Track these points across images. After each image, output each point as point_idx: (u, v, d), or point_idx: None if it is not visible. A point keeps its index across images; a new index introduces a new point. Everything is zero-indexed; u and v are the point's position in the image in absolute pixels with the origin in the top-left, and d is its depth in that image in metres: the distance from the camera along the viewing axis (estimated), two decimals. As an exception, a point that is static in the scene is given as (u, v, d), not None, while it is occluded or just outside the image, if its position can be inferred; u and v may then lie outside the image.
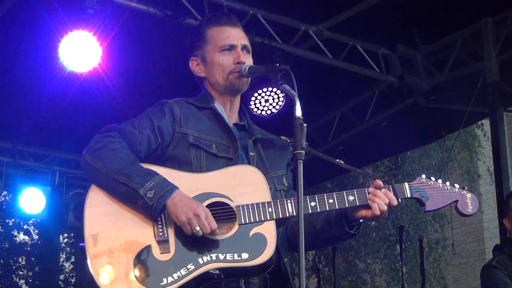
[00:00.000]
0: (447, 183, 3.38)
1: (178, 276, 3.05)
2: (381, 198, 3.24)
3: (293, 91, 3.11)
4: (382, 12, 8.00)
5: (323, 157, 3.49)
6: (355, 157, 10.53)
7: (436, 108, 9.16)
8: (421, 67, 8.74)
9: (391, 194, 3.26)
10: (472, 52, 8.37)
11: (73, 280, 22.66)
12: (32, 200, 10.73)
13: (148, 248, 3.09)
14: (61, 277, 22.53)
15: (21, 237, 22.11)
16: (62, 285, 22.30)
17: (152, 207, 3.06)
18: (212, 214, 3.11)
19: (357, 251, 18.81)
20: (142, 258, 3.07)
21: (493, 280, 5.35)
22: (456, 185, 3.38)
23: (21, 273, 22.16)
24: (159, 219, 3.12)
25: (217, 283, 3.09)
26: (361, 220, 3.36)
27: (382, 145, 10.45)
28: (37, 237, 22.21)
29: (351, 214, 3.32)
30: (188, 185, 3.18)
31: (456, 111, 9.01)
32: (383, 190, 3.26)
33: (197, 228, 3.04)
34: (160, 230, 3.11)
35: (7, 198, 16.91)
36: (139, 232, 3.12)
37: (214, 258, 3.07)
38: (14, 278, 21.88)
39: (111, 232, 3.13)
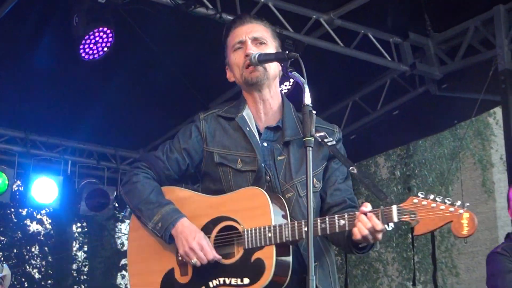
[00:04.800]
0: (446, 200, 3.12)
1: None
2: (363, 222, 3.14)
3: (303, 79, 3.12)
4: (393, 0, 7.97)
5: (331, 151, 3.47)
6: (367, 146, 10.53)
7: (448, 97, 9.13)
8: (433, 55, 8.71)
9: (375, 219, 3.13)
10: (484, 40, 8.33)
11: (85, 269, 22.82)
12: (45, 190, 10.74)
13: (171, 271, 3.44)
14: (74, 266, 22.70)
15: (34, 226, 22.27)
16: (75, 274, 22.47)
17: (162, 238, 3.40)
18: (224, 237, 3.30)
19: (369, 240, 18.78)
20: (167, 280, 3.44)
21: (497, 266, 5.36)
22: (457, 203, 3.12)
23: (34, 262, 22.33)
24: None
25: None
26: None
27: (394, 133, 10.42)
28: (49, 226, 22.39)
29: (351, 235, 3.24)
30: (202, 209, 3.42)
31: (468, 99, 8.97)
32: (368, 214, 3.14)
33: (193, 260, 3.30)
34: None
35: (19, 187, 16.96)
36: (164, 255, 3.47)
37: (221, 282, 3.28)
38: (27, 267, 22.05)
39: (144, 255, 3.53)
